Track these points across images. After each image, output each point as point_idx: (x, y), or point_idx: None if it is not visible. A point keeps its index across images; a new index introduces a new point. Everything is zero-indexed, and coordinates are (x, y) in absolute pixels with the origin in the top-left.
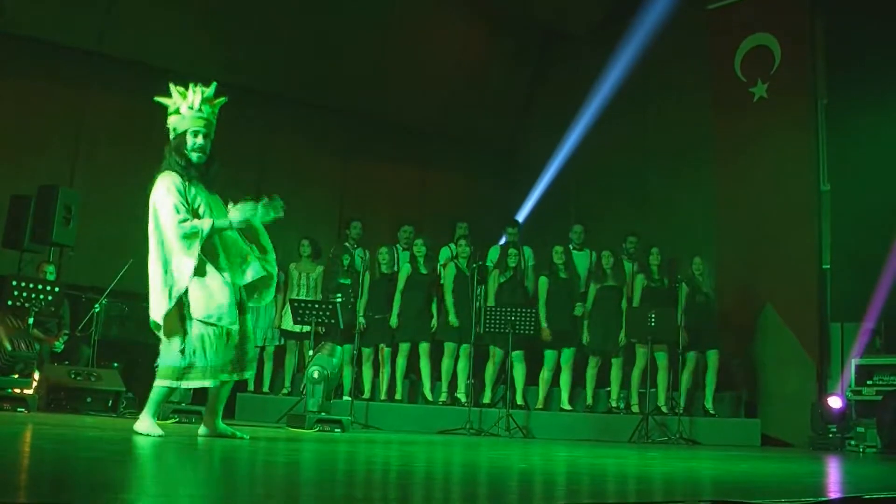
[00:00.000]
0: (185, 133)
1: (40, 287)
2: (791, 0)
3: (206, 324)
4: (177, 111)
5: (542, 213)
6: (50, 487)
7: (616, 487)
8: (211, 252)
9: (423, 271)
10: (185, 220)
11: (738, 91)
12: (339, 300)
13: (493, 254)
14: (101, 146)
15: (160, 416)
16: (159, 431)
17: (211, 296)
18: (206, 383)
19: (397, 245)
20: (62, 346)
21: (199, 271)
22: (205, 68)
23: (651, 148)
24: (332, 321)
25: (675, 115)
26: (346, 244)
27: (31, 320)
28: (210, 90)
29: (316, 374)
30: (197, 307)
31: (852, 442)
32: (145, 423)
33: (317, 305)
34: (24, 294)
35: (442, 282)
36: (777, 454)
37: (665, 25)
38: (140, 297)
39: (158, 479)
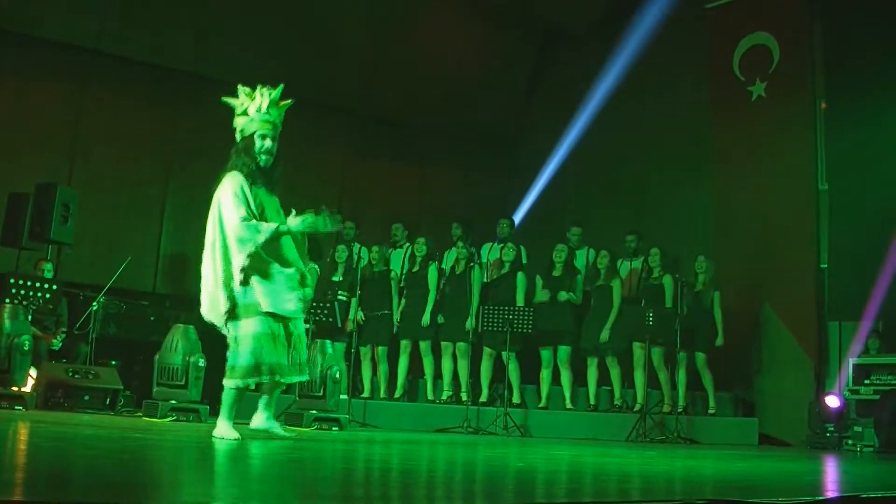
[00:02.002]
0: (252, 136)
1: (38, 285)
2: (790, 0)
3: (272, 318)
4: (244, 113)
5: (541, 211)
6: (47, 485)
7: (613, 486)
8: (275, 253)
9: (416, 269)
10: (247, 217)
11: (737, 90)
12: (342, 297)
13: (490, 251)
14: (100, 144)
15: (160, 414)
16: (235, 435)
17: (277, 291)
18: (274, 380)
19: (392, 242)
20: (60, 344)
21: (263, 270)
22: (201, 66)
23: (650, 147)
24: (331, 319)
25: (673, 114)
26: (342, 245)
27: (29, 317)
28: (276, 93)
29: (338, 375)
30: (265, 302)
31: (850, 441)
32: (223, 427)
33: (314, 304)
34: (23, 292)
35: (431, 281)
36: (775, 453)
37: (664, 24)
38: (137, 294)
39: (156, 478)
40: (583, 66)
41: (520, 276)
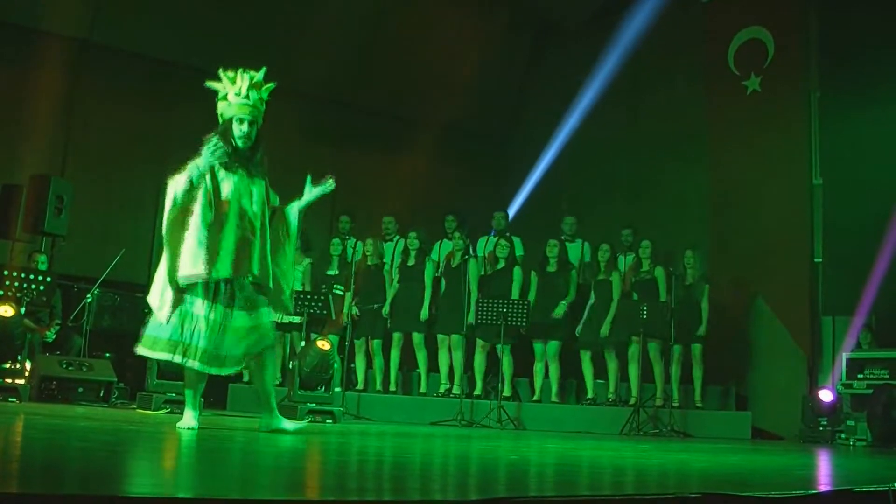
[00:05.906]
0: (230, 120)
1: (32, 277)
2: None
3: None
4: (224, 97)
5: (534, 204)
6: (42, 477)
7: (606, 480)
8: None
9: (411, 263)
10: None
11: (732, 84)
12: (338, 291)
13: (486, 245)
14: (94, 136)
15: (154, 406)
16: (189, 424)
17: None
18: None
19: (383, 235)
20: (54, 336)
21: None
22: (195, 58)
23: (644, 140)
24: (325, 312)
25: (668, 108)
26: (337, 238)
27: (22, 310)
28: (259, 75)
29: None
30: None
31: (842, 435)
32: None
33: (308, 296)
34: (16, 284)
35: (428, 276)
36: (768, 447)
37: (658, 18)
38: (131, 286)
39: (150, 470)
40: (577, 60)
41: (516, 270)
